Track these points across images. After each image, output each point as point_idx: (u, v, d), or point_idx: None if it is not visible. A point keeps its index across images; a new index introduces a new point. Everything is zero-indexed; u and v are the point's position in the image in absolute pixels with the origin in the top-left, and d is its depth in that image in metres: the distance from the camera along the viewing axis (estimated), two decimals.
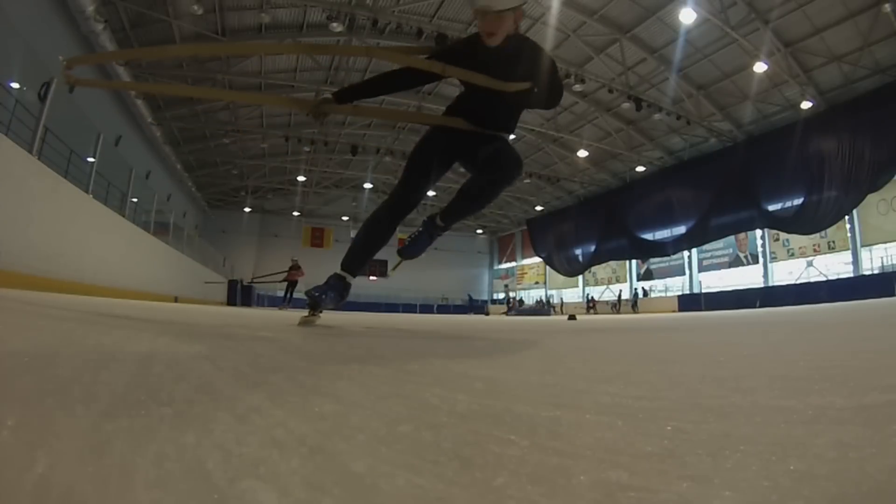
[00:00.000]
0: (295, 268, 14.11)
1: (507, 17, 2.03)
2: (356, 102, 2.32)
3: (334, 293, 2.29)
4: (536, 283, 31.72)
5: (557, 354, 1.35)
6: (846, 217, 15.74)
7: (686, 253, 21.92)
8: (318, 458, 0.35)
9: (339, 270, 2.34)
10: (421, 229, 2.48)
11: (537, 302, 29.01)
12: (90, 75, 11.74)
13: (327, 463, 0.34)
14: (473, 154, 2.33)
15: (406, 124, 20.90)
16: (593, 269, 26.41)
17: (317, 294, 2.30)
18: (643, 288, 23.88)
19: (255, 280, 20.27)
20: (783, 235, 17.97)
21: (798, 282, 17.60)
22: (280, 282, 14.93)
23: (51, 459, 0.31)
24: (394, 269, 2.55)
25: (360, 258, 2.36)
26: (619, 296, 22.92)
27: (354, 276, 2.35)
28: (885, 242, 15.33)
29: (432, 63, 2.20)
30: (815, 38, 13.19)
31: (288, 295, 14.79)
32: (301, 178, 25.57)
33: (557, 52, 15.13)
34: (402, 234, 2.65)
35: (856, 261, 16.02)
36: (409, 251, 2.47)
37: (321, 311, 2.47)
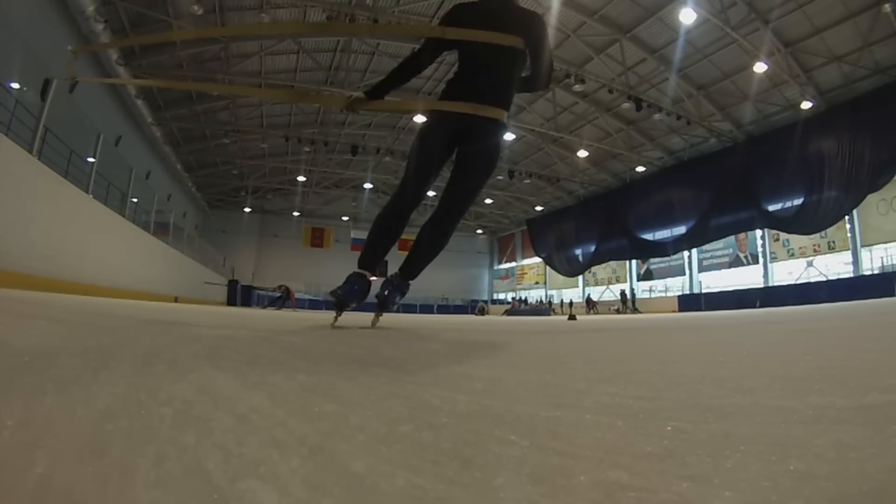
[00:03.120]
0: (286, 291, 15.73)
1: None
2: (386, 97, 2.43)
3: (356, 290, 2.35)
4: (536, 283, 31.73)
5: (557, 354, 1.35)
6: (846, 217, 15.75)
7: (686, 253, 21.93)
8: (318, 458, 0.35)
9: (357, 269, 2.39)
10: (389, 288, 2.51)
11: (538, 302, 29.01)
12: (92, 73, 11.75)
13: (327, 463, 0.34)
14: (468, 142, 2.33)
15: (406, 125, 20.91)
16: (593, 269, 26.43)
17: (340, 293, 2.35)
18: (632, 290, 23.91)
19: (253, 288, 20.85)
20: (783, 235, 17.97)
21: (798, 282, 17.60)
22: (273, 290, 16.02)
23: (51, 459, 0.31)
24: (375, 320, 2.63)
25: (375, 253, 2.40)
26: (623, 296, 22.84)
27: (373, 272, 2.39)
28: (885, 242, 15.33)
29: (433, 28, 2.28)
30: (815, 38, 13.20)
31: (279, 304, 15.73)
32: (301, 178, 25.58)
33: (557, 52, 15.13)
34: (407, 235, 2.69)
35: (856, 261, 16.03)
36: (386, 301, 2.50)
37: (349, 308, 2.49)
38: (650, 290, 24.09)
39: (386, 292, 2.46)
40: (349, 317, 2.76)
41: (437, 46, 2.35)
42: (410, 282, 2.53)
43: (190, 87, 9.48)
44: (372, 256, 2.39)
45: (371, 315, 2.69)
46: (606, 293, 26.37)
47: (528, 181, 23.81)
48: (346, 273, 2.51)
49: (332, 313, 2.57)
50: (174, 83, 12.49)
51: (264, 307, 13.99)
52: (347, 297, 2.35)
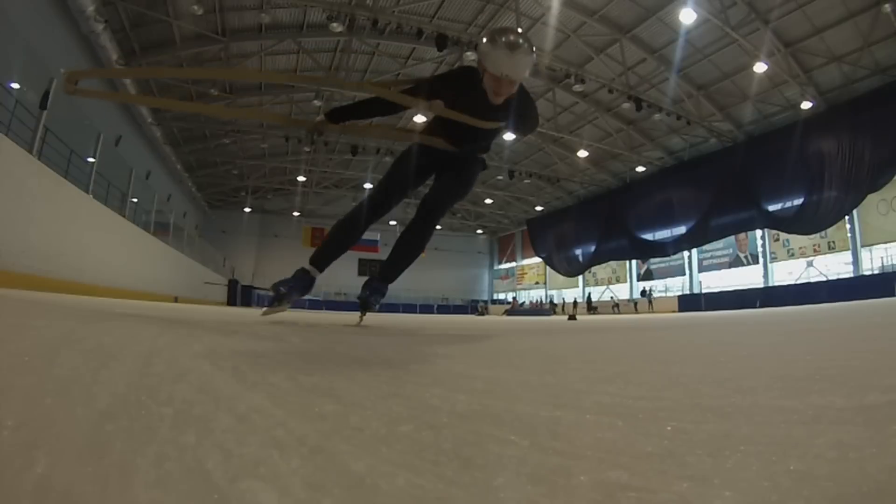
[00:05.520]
0: None
1: (517, 83, 2.15)
2: (348, 122, 2.48)
3: (300, 287, 2.41)
4: (536, 283, 31.73)
5: (557, 354, 1.35)
6: (846, 217, 15.75)
7: (686, 253, 21.93)
8: (318, 458, 0.35)
9: (306, 265, 2.45)
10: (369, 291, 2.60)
11: (538, 302, 29.01)
12: (92, 84, 11.75)
13: (327, 463, 0.34)
14: (447, 169, 2.49)
15: (406, 125, 20.91)
16: (593, 269, 26.44)
17: (283, 288, 2.40)
18: (641, 290, 23.91)
19: (253, 288, 20.70)
20: (783, 235, 17.97)
21: (798, 282, 17.60)
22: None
23: (51, 459, 0.31)
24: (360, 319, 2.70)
25: (329, 255, 2.50)
26: (649, 293, 22.65)
27: (321, 272, 2.47)
28: (885, 242, 15.33)
29: (418, 101, 2.32)
30: (815, 38, 13.20)
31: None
32: (301, 178, 25.57)
33: (558, 52, 15.13)
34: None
35: (856, 261, 16.03)
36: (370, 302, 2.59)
37: (287, 305, 2.54)
38: (650, 291, 24.11)
39: (367, 294, 2.57)
40: (342, 317, 2.77)
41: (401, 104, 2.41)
42: (389, 285, 2.64)
43: (185, 109, 9.58)
44: (325, 257, 2.49)
45: (370, 315, 2.74)
46: (606, 293, 26.39)
47: (528, 181, 23.80)
48: (345, 272, 2.60)
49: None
50: (172, 103, 12.52)
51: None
52: (289, 293, 2.41)
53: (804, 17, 12.75)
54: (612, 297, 25.12)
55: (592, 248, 24.93)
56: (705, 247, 20.99)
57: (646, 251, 22.93)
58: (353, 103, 2.43)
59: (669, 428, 0.45)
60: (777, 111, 16.42)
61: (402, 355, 1.13)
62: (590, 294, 25.73)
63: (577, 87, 15.35)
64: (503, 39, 2.02)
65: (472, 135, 2.37)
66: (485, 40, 2.08)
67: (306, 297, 2.62)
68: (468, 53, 13.45)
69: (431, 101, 2.30)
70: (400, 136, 2.73)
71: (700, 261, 21.98)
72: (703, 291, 20.75)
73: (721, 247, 20.77)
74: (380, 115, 2.45)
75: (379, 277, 2.59)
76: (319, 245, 2.54)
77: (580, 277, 27.77)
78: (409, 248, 2.53)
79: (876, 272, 15.26)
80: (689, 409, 0.54)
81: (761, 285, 18.60)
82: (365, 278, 2.65)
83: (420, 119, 18.84)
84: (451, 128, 2.36)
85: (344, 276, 22.59)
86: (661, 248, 21.81)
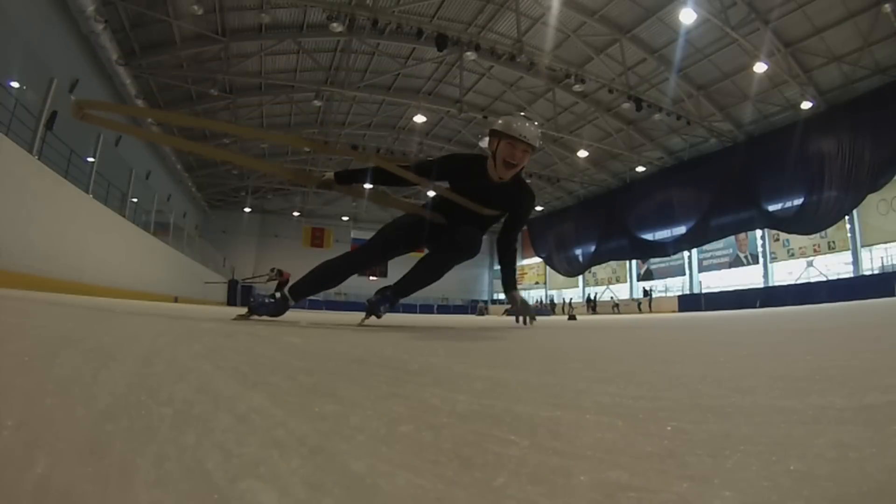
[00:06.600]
0: (279, 273, 14.74)
1: (529, 155, 2.39)
2: (354, 185, 2.69)
3: (274, 307, 2.54)
4: (536, 283, 31.72)
5: (557, 354, 1.35)
6: (846, 217, 15.76)
7: (686, 253, 21.94)
8: (318, 458, 0.35)
9: (286, 291, 2.56)
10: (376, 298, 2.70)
11: (539, 302, 28.99)
12: (91, 77, 11.75)
13: (327, 463, 0.34)
14: (441, 237, 2.59)
15: (406, 125, 20.91)
16: (593, 269, 26.44)
17: (261, 309, 2.53)
18: (648, 290, 23.88)
19: (246, 280, 20.58)
20: (783, 235, 17.98)
21: (798, 282, 17.61)
22: (268, 281, 15.38)
23: (51, 459, 0.31)
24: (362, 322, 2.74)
25: (308, 291, 2.61)
26: (650, 293, 22.69)
27: (296, 303, 2.60)
28: (885, 242, 15.34)
29: (422, 180, 2.55)
30: (815, 38, 13.22)
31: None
32: None
33: (558, 52, 15.14)
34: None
35: (856, 261, 16.03)
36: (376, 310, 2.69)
37: (257, 316, 2.62)
38: (650, 290, 24.11)
39: (377, 299, 2.65)
40: (342, 317, 2.79)
41: (424, 178, 2.59)
42: (401, 299, 2.73)
43: (204, 152, 9.53)
44: (304, 293, 2.60)
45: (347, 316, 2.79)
46: (606, 293, 26.39)
47: (528, 181, 23.79)
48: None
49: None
50: (192, 145, 12.55)
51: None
52: (261, 311, 2.54)
53: (804, 17, 12.76)
54: (612, 297, 25.14)
55: (592, 248, 24.95)
56: (705, 247, 21.00)
57: (646, 251, 22.93)
58: (361, 170, 2.57)
59: (669, 428, 0.45)
60: (777, 111, 16.43)
61: (401, 355, 1.13)
62: (590, 294, 25.73)
63: (577, 87, 15.36)
64: (519, 115, 2.43)
65: (471, 218, 2.54)
66: (500, 119, 2.45)
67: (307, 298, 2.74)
68: (468, 54, 13.46)
69: (437, 182, 2.53)
70: (405, 208, 2.80)
71: (700, 261, 21.98)
72: (703, 291, 20.75)
73: (721, 247, 20.77)
74: (386, 185, 2.62)
75: (394, 289, 2.66)
76: (302, 279, 2.62)
77: (580, 277, 27.77)
78: (428, 273, 2.60)
79: (876, 272, 15.27)
80: (689, 409, 0.54)
81: (761, 285, 18.61)
82: (363, 279, 2.70)
83: (420, 118, 18.83)
84: (452, 207, 2.52)
85: None
86: (661, 248, 21.82)
